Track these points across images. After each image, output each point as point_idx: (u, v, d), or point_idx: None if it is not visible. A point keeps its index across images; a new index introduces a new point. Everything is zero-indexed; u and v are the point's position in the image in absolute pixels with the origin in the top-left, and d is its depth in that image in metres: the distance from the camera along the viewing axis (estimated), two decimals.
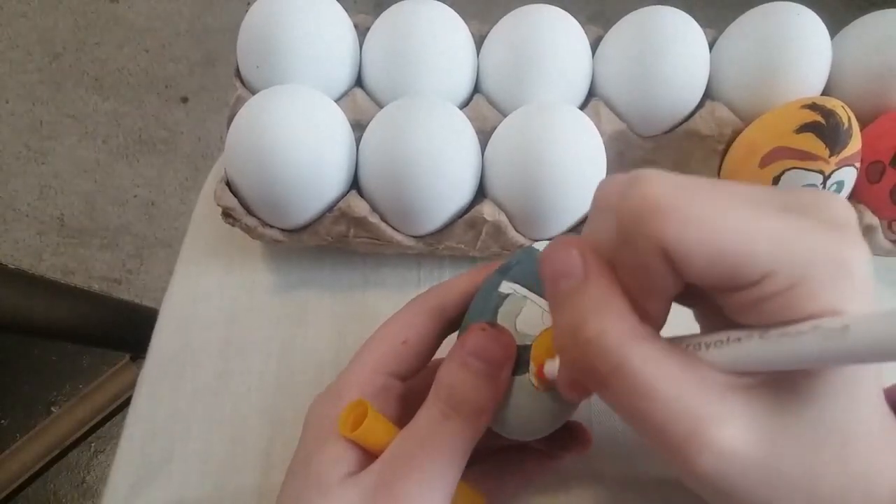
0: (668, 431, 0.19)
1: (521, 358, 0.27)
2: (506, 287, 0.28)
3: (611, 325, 0.20)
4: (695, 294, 0.21)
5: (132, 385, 1.03)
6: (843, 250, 0.18)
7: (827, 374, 0.19)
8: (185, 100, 1.38)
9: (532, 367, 0.27)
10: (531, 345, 0.27)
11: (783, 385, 0.19)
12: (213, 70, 1.41)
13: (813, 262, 0.18)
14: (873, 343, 0.16)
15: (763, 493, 0.19)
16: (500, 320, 0.28)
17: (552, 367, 0.26)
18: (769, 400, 0.19)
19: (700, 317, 0.24)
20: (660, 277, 0.19)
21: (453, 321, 0.31)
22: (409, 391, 0.30)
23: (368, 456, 0.27)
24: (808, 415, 0.19)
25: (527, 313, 0.28)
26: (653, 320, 0.21)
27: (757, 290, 0.18)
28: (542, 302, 0.28)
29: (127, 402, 1.02)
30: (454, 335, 0.31)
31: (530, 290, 0.28)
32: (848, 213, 0.20)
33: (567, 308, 0.21)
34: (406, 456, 0.26)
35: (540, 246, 0.29)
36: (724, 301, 0.20)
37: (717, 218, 0.18)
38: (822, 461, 0.19)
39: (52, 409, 1.07)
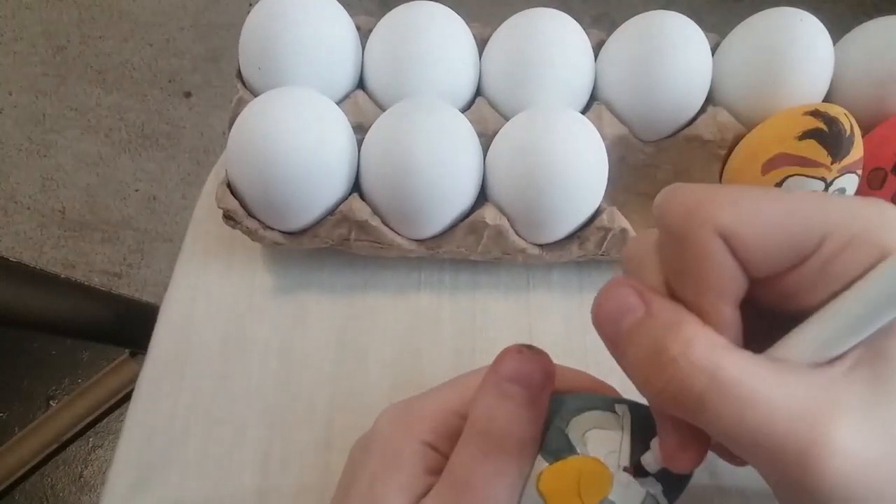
0: (786, 439, 0.17)
1: (555, 440, 0.25)
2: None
3: (693, 336, 0.19)
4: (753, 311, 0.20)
5: (131, 380, 1.04)
6: (877, 203, 0.19)
7: None
8: (188, 95, 1.38)
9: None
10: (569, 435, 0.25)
11: (877, 361, 0.18)
12: (216, 66, 1.41)
13: (859, 215, 0.18)
14: None
15: (891, 495, 0.18)
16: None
17: (649, 457, 0.24)
18: (870, 379, 0.18)
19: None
20: (723, 271, 0.19)
21: None
22: None
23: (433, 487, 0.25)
24: None
25: (601, 436, 0.25)
26: (725, 332, 0.20)
27: (819, 255, 0.18)
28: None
29: (125, 398, 1.03)
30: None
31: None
32: None
33: (638, 342, 0.20)
34: None
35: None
36: (787, 290, 0.19)
37: (761, 199, 0.19)
38: None
39: (51, 403, 1.07)
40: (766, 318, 0.20)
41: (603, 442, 0.25)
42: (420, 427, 0.27)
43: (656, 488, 0.24)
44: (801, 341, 0.19)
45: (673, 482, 0.25)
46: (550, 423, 0.26)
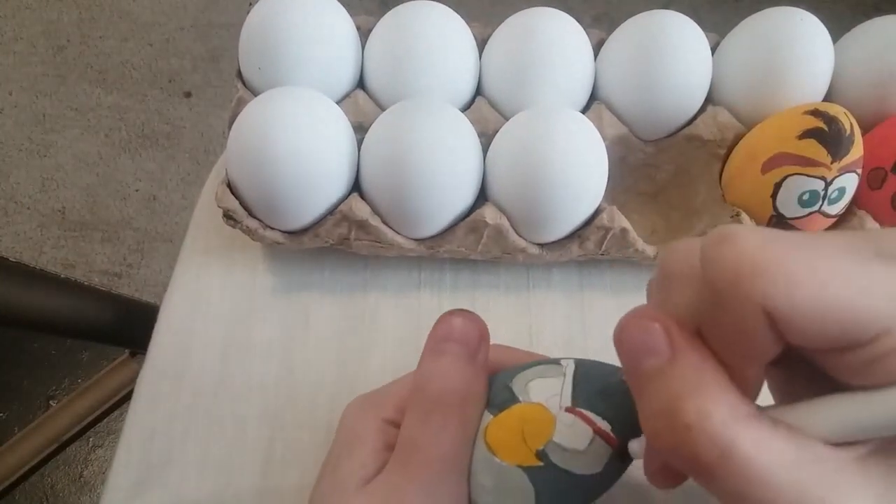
0: None
1: (500, 394, 0.26)
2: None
3: (713, 405, 0.18)
4: (788, 357, 0.19)
5: (131, 381, 1.04)
6: None
7: None
8: (188, 95, 1.38)
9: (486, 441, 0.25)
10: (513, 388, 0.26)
11: (893, 453, 0.18)
12: (216, 65, 1.41)
13: None
14: None
15: None
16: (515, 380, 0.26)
17: (636, 446, 0.24)
18: (886, 470, 0.17)
19: (783, 382, 0.22)
20: (760, 342, 0.17)
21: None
22: None
23: None
24: None
25: (543, 384, 0.25)
26: (749, 389, 0.19)
27: (871, 348, 0.16)
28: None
29: (125, 398, 1.03)
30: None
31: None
32: None
33: (656, 390, 0.19)
34: (401, 469, 0.25)
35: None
36: (827, 363, 0.18)
37: (823, 273, 0.16)
38: None
39: (51, 403, 1.07)
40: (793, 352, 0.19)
41: (545, 388, 0.25)
42: (382, 409, 0.27)
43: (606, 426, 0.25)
44: (826, 418, 0.18)
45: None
46: (496, 383, 0.27)
